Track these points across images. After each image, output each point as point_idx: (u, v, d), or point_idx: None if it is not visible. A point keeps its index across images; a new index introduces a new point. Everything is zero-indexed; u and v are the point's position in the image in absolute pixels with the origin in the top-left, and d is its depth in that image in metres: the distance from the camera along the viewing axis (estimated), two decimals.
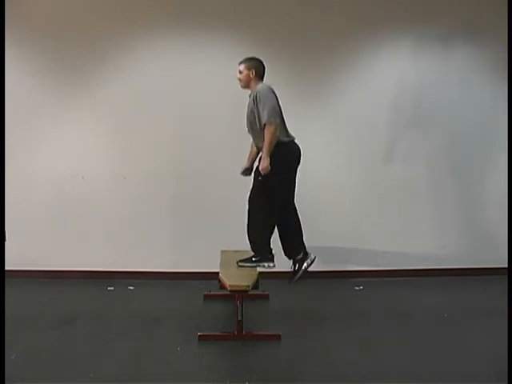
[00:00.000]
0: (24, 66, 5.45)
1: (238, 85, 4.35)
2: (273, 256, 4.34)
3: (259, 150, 4.29)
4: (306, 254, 4.34)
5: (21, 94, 5.42)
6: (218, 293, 4.80)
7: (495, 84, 5.61)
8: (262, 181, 4.21)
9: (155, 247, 5.55)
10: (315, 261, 4.34)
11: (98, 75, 5.48)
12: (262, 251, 4.34)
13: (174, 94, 5.47)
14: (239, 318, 3.95)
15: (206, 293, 4.97)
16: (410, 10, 5.53)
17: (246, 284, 3.94)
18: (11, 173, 5.19)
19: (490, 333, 4.09)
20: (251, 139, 4.41)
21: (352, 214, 5.62)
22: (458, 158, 5.72)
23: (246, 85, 4.31)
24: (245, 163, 4.51)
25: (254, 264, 4.33)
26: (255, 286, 4.21)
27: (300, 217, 4.39)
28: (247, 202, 4.37)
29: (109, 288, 5.22)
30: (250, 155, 4.48)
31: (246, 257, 4.38)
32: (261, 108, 4.11)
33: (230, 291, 3.97)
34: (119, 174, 5.53)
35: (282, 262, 4.34)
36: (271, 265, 4.34)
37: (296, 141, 4.30)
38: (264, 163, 4.12)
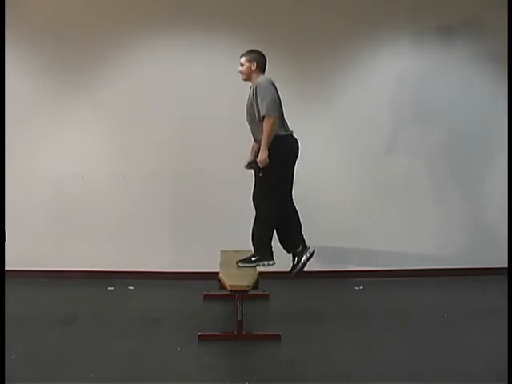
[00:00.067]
0: (24, 66, 5.45)
1: (240, 77, 4.34)
2: (272, 253, 4.34)
3: (258, 142, 4.28)
4: (305, 247, 4.35)
5: (21, 94, 5.42)
6: (218, 293, 4.79)
7: (495, 84, 5.61)
8: (262, 178, 4.22)
9: (155, 247, 5.55)
10: (314, 254, 4.34)
11: (97, 75, 5.48)
12: (261, 250, 4.34)
13: (174, 94, 5.47)
14: (239, 318, 3.95)
15: (205, 293, 4.96)
16: (410, 10, 5.53)
17: (246, 284, 3.93)
18: (11, 173, 5.19)
19: (490, 333, 4.09)
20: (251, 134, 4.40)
21: (352, 214, 5.62)
22: (458, 158, 5.72)
23: (248, 77, 4.31)
24: (248, 156, 4.47)
25: (254, 264, 4.33)
26: (255, 285, 4.20)
27: (299, 214, 4.39)
28: (252, 202, 4.38)
29: (109, 288, 5.22)
30: (252, 148, 4.46)
31: (245, 256, 4.39)
32: (260, 100, 4.11)
33: (230, 291, 3.97)
34: (119, 173, 5.53)
35: (281, 262, 4.34)
36: (271, 262, 4.33)
37: (294, 135, 4.30)
38: (262, 156, 4.13)
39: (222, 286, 4.29)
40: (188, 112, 5.49)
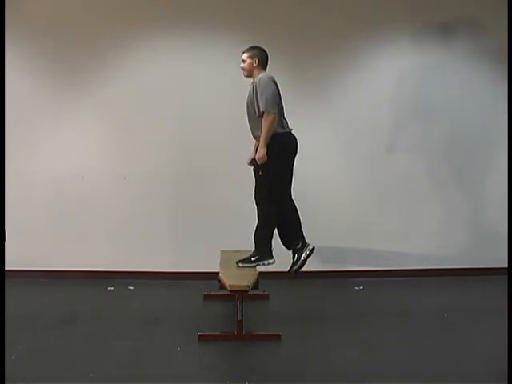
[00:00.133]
0: (24, 66, 5.45)
1: (241, 74, 4.34)
2: (271, 251, 4.34)
3: (257, 139, 4.28)
4: (305, 244, 4.35)
5: (21, 94, 5.42)
6: (218, 293, 4.80)
7: (495, 84, 5.61)
8: (261, 176, 4.22)
9: (155, 247, 5.55)
10: (314, 251, 4.34)
11: (98, 75, 5.48)
12: (261, 249, 4.34)
13: (174, 94, 5.47)
14: (239, 318, 3.95)
15: (206, 293, 4.96)
16: (410, 9, 5.53)
17: (246, 284, 3.93)
18: (11, 173, 5.19)
19: (490, 333, 4.09)
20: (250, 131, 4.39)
21: (352, 214, 5.62)
22: (458, 158, 5.72)
23: (249, 74, 4.32)
24: (251, 154, 4.44)
25: (254, 264, 4.33)
26: (255, 285, 4.20)
27: (299, 212, 4.39)
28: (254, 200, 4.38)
29: (109, 288, 5.22)
30: (255, 145, 4.46)
31: (245, 256, 4.39)
32: (259, 96, 4.12)
33: (230, 291, 3.97)
34: (119, 173, 5.53)
35: (281, 262, 4.34)
36: (271, 261, 4.33)
37: (293, 132, 4.30)
38: (260, 152, 4.13)
39: (222, 286, 4.29)
40: (188, 112, 5.49)
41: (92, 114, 5.50)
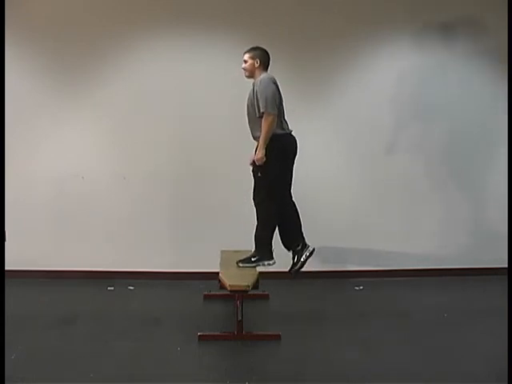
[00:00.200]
0: (24, 66, 5.45)
1: (243, 74, 4.34)
2: (272, 252, 4.34)
3: (256, 140, 4.27)
4: (305, 246, 4.35)
5: (21, 94, 5.42)
6: (218, 293, 4.79)
7: (495, 84, 5.61)
8: (261, 177, 4.22)
9: (155, 247, 5.55)
10: (314, 253, 4.34)
11: (98, 75, 5.48)
12: (261, 249, 4.34)
13: (174, 94, 5.47)
14: (239, 318, 3.95)
15: (205, 293, 4.96)
16: (410, 10, 5.53)
17: (246, 284, 3.93)
18: (11, 173, 5.19)
19: (490, 333, 4.09)
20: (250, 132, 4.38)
21: (352, 214, 5.62)
22: (458, 158, 5.72)
23: (251, 74, 4.31)
24: (253, 155, 4.44)
25: (254, 264, 4.33)
26: (255, 285, 4.20)
27: (299, 212, 4.39)
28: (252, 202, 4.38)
29: (109, 288, 5.22)
30: (256, 147, 4.45)
31: (245, 256, 4.39)
32: (259, 97, 4.12)
33: (230, 291, 3.97)
34: (119, 173, 5.53)
35: (281, 262, 4.34)
36: (271, 262, 4.33)
37: (293, 133, 4.30)
38: (259, 154, 4.13)
39: (222, 286, 4.29)
40: (188, 112, 5.49)
41: (92, 113, 5.50)
